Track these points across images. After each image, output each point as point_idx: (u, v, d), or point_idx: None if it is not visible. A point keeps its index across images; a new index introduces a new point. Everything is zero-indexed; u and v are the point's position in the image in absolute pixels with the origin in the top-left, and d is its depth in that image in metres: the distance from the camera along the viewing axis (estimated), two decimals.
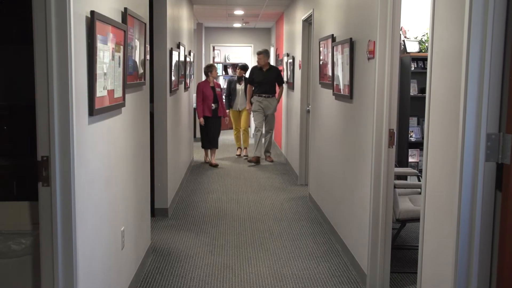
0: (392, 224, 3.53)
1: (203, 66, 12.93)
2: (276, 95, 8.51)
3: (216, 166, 8.14)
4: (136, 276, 3.56)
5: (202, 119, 7.96)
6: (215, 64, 8.22)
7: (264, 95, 8.33)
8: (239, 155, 9.17)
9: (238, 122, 9.22)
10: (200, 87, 7.92)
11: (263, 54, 8.33)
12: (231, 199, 6.13)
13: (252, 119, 9.25)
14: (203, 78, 13.35)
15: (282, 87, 8.54)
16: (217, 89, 8.08)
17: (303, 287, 3.64)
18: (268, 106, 8.36)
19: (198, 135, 9.33)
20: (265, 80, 8.31)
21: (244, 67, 9.30)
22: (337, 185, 4.61)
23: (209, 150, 8.38)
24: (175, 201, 5.87)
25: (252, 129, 10.19)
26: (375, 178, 3.45)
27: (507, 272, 2.07)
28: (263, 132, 8.47)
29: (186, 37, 7.39)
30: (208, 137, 8.12)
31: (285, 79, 8.65)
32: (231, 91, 9.19)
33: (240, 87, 9.14)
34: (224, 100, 8.81)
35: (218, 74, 15.51)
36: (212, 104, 7.94)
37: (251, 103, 8.55)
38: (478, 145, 2.12)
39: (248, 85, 8.54)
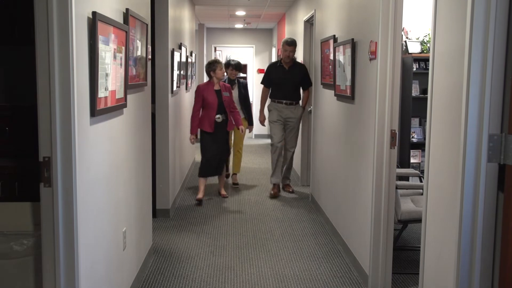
0: (394, 225, 3.53)
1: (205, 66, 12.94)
2: (301, 102, 6.33)
3: (226, 197, 6.21)
4: (137, 276, 3.56)
5: (192, 137, 5.84)
6: (220, 60, 6.05)
7: (284, 102, 6.10)
8: (237, 183, 6.94)
9: (241, 139, 6.86)
10: (200, 91, 5.77)
11: (295, 46, 6.13)
12: (232, 200, 6.12)
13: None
14: (205, 79, 13.33)
15: (308, 91, 6.26)
16: (225, 94, 5.87)
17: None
18: (290, 117, 6.13)
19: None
20: (287, 81, 6.09)
21: (239, 66, 6.62)
22: (338, 186, 4.61)
23: (204, 179, 5.98)
24: (177, 202, 5.87)
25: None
26: (377, 179, 3.44)
27: (509, 274, 2.06)
28: (282, 151, 6.30)
29: (188, 37, 7.40)
30: (210, 160, 5.87)
31: None
32: None
33: (232, 93, 6.37)
34: (237, 108, 6.28)
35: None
36: (218, 116, 5.77)
37: (268, 110, 6.35)
38: (480, 146, 2.11)
39: (263, 88, 6.40)
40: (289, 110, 6.14)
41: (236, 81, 6.64)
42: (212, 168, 5.91)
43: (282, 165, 6.30)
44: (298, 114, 6.21)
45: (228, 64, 6.58)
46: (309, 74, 6.24)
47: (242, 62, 7.52)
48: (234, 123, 6.02)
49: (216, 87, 5.85)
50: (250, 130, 6.87)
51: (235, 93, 6.53)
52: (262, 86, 6.48)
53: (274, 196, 6.21)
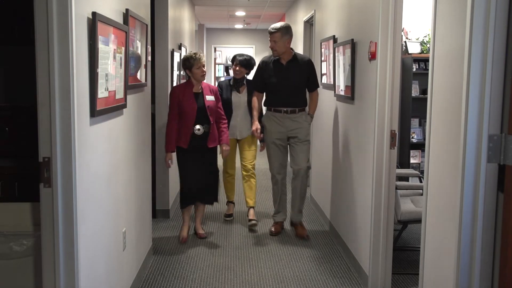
0: (393, 225, 3.53)
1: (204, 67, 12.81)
2: (308, 108, 4.74)
3: (205, 237, 4.67)
4: (137, 277, 3.56)
5: (170, 157, 4.41)
6: (201, 53, 4.48)
7: (284, 110, 4.58)
8: (230, 215, 5.30)
9: (233, 159, 5.17)
10: (175, 94, 4.36)
11: (281, 32, 4.54)
12: None
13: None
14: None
15: (316, 94, 4.76)
16: (208, 98, 4.43)
17: None
18: (294, 128, 4.59)
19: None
20: (286, 81, 4.57)
21: (248, 63, 5.04)
22: (338, 186, 4.61)
23: (187, 211, 4.62)
24: (177, 202, 5.86)
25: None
26: (377, 179, 3.44)
27: (509, 274, 2.06)
28: (285, 182, 4.82)
29: (188, 38, 7.40)
30: (191, 188, 4.48)
31: None
32: (223, 103, 4.78)
33: (239, 97, 5.02)
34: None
35: (217, 75, 14.16)
36: (198, 126, 4.33)
37: (262, 126, 4.73)
38: (480, 146, 2.11)
39: (254, 93, 4.78)
40: (292, 120, 4.58)
41: (244, 82, 5.06)
42: (197, 193, 4.52)
43: (286, 196, 4.86)
44: (304, 123, 4.60)
45: (234, 59, 5.11)
46: (315, 72, 4.77)
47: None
48: (219, 138, 4.56)
49: (196, 89, 4.41)
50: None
51: (243, 97, 5.00)
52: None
53: (275, 233, 4.76)
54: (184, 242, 4.51)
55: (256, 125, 4.70)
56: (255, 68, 4.95)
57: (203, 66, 4.39)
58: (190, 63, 4.37)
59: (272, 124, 4.64)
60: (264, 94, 4.79)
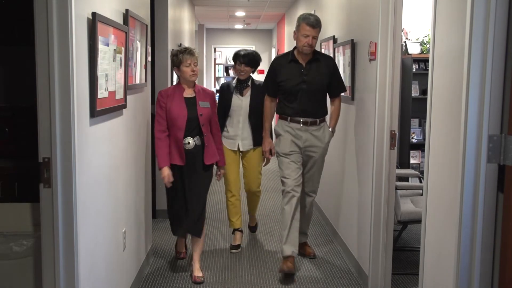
0: (393, 226, 3.53)
1: (204, 68, 12.88)
2: (329, 119, 4.00)
3: (201, 282, 3.66)
4: (137, 277, 3.56)
5: (168, 174, 3.49)
6: (193, 48, 3.59)
7: (302, 121, 3.78)
8: (238, 246, 4.34)
9: (235, 174, 4.33)
10: (163, 99, 3.54)
11: (320, 27, 3.80)
12: None
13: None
14: (205, 82, 13.13)
15: (339, 101, 3.99)
16: (202, 104, 3.57)
17: None
18: (312, 145, 3.82)
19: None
20: (306, 85, 3.77)
21: (253, 59, 4.18)
22: (338, 187, 4.61)
23: (184, 240, 4.14)
24: None
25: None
26: (377, 180, 3.44)
27: (509, 274, 2.06)
28: (299, 201, 3.82)
29: (188, 38, 7.40)
30: (179, 214, 3.68)
31: None
32: (224, 107, 4.25)
33: (240, 100, 4.21)
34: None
35: (217, 76, 14.46)
36: (188, 140, 3.52)
37: (275, 136, 3.95)
38: (480, 147, 2.11)
39: (266, 99, 3.97)
40: (311, 134, 3.80)
41: (250, 84, 4.24)
42: (184, 220, 3.67)
43: (299, 223, 3.82)
44: (324, 140, 3.85)
45: (236, 56, 4.22)
46: (340, 74, 4.00)
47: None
48: (216, 157, 3.69)
49: (188, 94, 3.58)
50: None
51: (245, 101, 4.20)
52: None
53: (289, 272, 3.70)
54: (183, 258, 4.09)
55: (270, 143, 3.97)
56: (261, 66, 4.36)
57: (195, 64, 3.51)
58: (178, 60, 3.50)
59: (286, 137, 3.81)
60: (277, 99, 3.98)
